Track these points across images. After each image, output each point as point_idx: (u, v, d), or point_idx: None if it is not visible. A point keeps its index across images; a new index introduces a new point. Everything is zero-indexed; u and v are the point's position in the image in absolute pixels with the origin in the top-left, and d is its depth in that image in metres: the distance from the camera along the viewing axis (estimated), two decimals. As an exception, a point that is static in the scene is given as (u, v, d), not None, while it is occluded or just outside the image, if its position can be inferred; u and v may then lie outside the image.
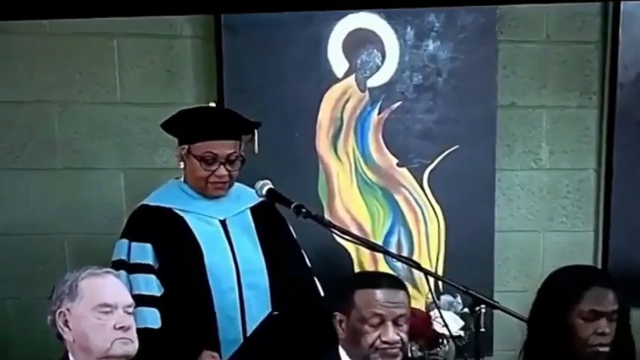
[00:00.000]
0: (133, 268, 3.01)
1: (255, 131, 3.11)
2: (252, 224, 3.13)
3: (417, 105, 3.73)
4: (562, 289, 2.60)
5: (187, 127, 3.06)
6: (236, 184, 3.13)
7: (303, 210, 2.99)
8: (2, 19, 3.07)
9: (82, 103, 3.62)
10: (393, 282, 2.77)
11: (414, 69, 3.71)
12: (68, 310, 2.55)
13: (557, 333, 2.57)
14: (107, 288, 2.59)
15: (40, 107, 3.60)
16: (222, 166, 3.04)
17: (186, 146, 3.05)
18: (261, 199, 3.12)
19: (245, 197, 3.15)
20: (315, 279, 3.21)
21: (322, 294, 3.18)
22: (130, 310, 2.60)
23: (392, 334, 2.68)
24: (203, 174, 3.05)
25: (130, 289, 2.85)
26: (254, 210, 3.15)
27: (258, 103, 3.55)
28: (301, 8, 3.04)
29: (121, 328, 2.54)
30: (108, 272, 2.64)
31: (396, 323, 2.69)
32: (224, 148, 3.03)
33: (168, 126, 3.11)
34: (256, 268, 3.07)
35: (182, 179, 3.13)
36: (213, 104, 3.22)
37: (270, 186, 3.11)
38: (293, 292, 3.09)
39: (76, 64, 3.59)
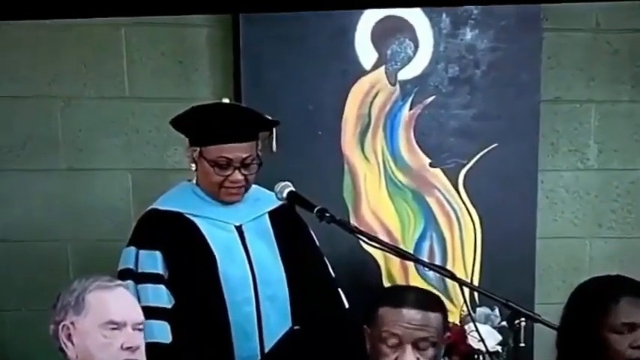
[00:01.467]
0: (140, 278, 2.99)
1: (274, 129, 3.09)
2: (271, 230, 3.12)
3: (453, 100, 3.70)
4: (590, 303, 2.60)
5: (199, 128, 3.05)
6: (253, 186, 3.11)
7: (327, 214, 2.96)
8: (2, 19, 3.10)
9: (86, 98, 3.60)
10: (424, 301, 2.73)
11: (450, 60, 3.68)
12: (72, 323, 2.54)
13: (590, 350, 2.56)
14: (116, 303, 2.57)
15: (42, 102, 3.59)
16: (237, 171, 3.03)
17: (198, 149, 3.04)
18: (280, 202, 3.10)
19: (263, 201, 3.14)
20: (340, 290, 3.19)
21: (347, 306, 3.17)
22: (141, 327, 2.59)
23: (409, 358, 2.66)
24: (216, 179, 3.04)
25: (138, 301, 2.84)
26: (273, 215, 3.14)
27: (279, 98, 3.54)
28: (309, 8, 3.10)
29: (128, 348, 2.52)
30: (118, 285, 2.63)
31: (416, 347, 2.66)
32: (239, 151, 3.01)
33: (178, 124, 3.09)
34: (275, 278, 3.06)
35: (195, 181, 3.12)
36: (227, 100, 3.17)
37: (291, 188, 3.09)
38: (315, 305, 3.09)
39: (80, 56, 3.58)
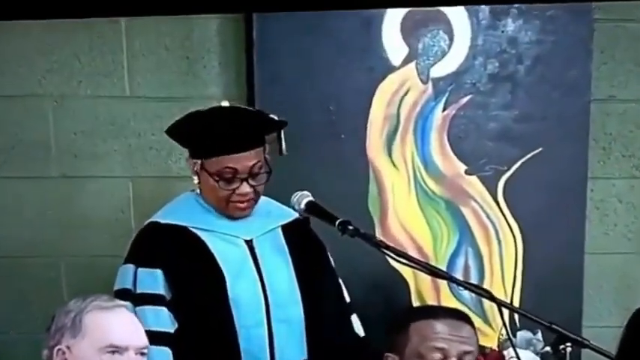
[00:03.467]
0: (140, 300, 2.99)
1: (282, 130, 3.10)
2: (285, 245, 3.12)
3: (492, 99, 3.68)
4: None
5: (197, 138, 3.04)
6: (263, 197, 3.11)
7: (350, 227, 2.97)
8: (2, 19, 3.13)
9: (82, 97, 3.60)
10: (457, 314, 2.79)
11: (489, 55, 3.66)
12: (68, 347, 2.55)
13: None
14: (118, 325, 2.58)
15: (32, 102, 3.60)
16: (244, 183, 3.00)
17: (199, 161, 3.03)
18: (294, 217, 3.13)
19: (275, 213, 3.14)
20: (355, 316, 3.21)
21: (362, 334, 3.19)
22: (144, 351, 2.61)
23: None
24: (222, 194, 3.02)
25: None
26: (286, 229, 3.14)
27: (296, 97, 3.54)
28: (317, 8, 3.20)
29: None
30: (119, 306, 2.64)
31: None
32: (245, 160, 2.99)
33: (174, 134, 3.10)
34: (290, 299, 3.06)
35: (199, 191, 3.11)
36: (226, 103, 3.15)
37: (310, 198, 3.09)
38: (327, 331, 3.11)
39: (75, 50, 3.58)
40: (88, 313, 2.56)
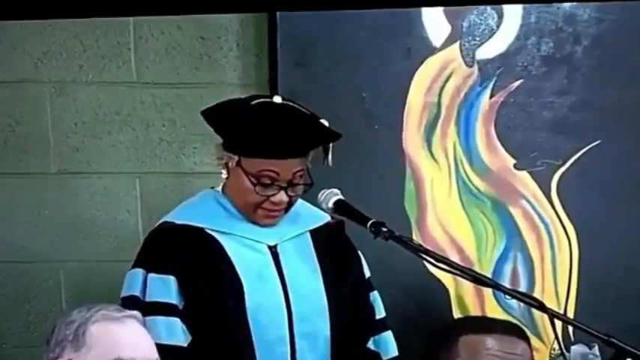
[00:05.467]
0: (150, 309, 2.97)
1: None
2: (314, 252, 3.10)
3: (546, 84, 3.67)
4: None
5: (244, 131, 3.01)
6: None
7: (384, 229, 2.93)
8: (2, 19, 3.22)
9: (83, 84, 3.59)
10: (511, 328, 2.87)
11: (543, 34, 3.65)
12: None
13: None
14: (127, 338, 2.57)
15: (27, 89, 3.59)
16: (282, 192, 2.98)
17: (237, 157, 3.00)
18: (325, 220, 3.12)
19: (304, 217, 3.12)
20: (389, 334, 3.19)
21: (395, 354, 3.19)
22: None
23: None
24: (255, 199, 2.99)
25: None
26: (315, 234, 3.13)
27: (325, 83, 3.55)
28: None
29: None
30: (128, 317, 2.62)
31: None
32: (289, 167, 2.97)
33: (213, 118, 3.07)
34: (316, 312, 3.04)
35: (220, 189, 3.09)
36: (279, 99, 3.11)
37: (340, 197, 3.05)
38: (356, 351, 3.12)
39: (75, 31, 3.57)
40: (94, 324, 2.54)
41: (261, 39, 3.61)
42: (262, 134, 2.99)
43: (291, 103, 3.19)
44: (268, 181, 2.97)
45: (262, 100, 3.13)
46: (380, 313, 3.20)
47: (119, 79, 3.58)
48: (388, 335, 3.18)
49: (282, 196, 2.99)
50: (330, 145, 3.06)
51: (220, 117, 3.05)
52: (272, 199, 2.98)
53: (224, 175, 3.04)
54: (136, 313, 2.70)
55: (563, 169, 3.69)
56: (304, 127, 3.04)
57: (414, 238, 3.52)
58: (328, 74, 3.56)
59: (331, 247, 3.13)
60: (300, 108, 3.15)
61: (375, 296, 3.20)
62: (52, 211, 3.60)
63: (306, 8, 3.34)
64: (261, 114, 3.03)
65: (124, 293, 3.00)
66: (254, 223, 3.05)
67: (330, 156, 3.05)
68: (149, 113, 3.61)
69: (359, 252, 3.19)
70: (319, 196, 3.06)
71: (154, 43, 3.59)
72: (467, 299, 3.67)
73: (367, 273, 3.19)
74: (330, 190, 3.05)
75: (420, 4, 3.54)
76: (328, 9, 3.45)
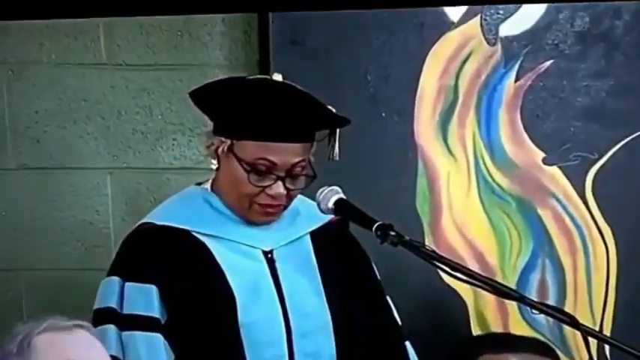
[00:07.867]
0: (128, 323, 2.88)
1: (337, 130, 3.00)
2: (314, 258, 3.01)
3: (580, 65, 3.58)
4: None
5: (236, 111, 2.93)
6: None
7: (392, 233, 2.81)
8: (2, 19, 3.25)
9: (45, 65, 3.55)
10: (538, 347, 2.83)
11: (577, 8, 3.57)
12: None
13: None
14: (74, 348, 2.44)
15: None
16: (280, 183, 2.87)
17: (228, 141, 2.92)
18: (327, 218, 3.00)
19: (304, 216, 3.03)
20: (408, 345, 3.10)
21: None
22: None
23: None
24: (249, 190, 2.88)
25: (122, 355, 2.83)
26: (317, 235, 3.04)
27: (324, 64, 3.50)
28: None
29: None
30: (78, 326, 2.49)
31: None
32: (288, 154, 2.87)
33: (202, 99, 3.00)
34: (317, 327, 2.95)
35: (208, 186, 3.00)
36: (279, 76, 3.03)
37: (341, 195, 2.92)
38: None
39: None
40: (39, 335, 2.40)
41: (251, 16, 3.61)
42: (258, 114, 2.91)
43: (290, 83, 3.15)
44: (264, 169, 2.87)
45: (258, 77, 3.12)
46: (397, 319, 3.16)
47: (86, 60, 3.54)
48: (409, 346, 3.13)
49: (279, 188, 2.88)
50: (337, 134, 2.99)
51: (211, 96, 2.99)
52: (268, 191, 2.87)
53: (214, 166, 2.96)
54: (85, 322, 2.57)
55: (599, 163, 3.61)
56: (307, 108, 2.95)
57: (427, 243, 3.46)
58: (327, 54, 3.51)
59: (334, 248, 3.05)
60: (302, 89, 3.09)
61: (389, 302, 3.16)
62: (10, 212, 3.58)
63: (305, 8, 3.31)
64: (257, 91, 2.97)
65: (98, 305, 2.91)
66: (247, 224, 2.97)
67: (337, 147, 2.97)
68: (121, 99, 3.57)
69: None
70: (317, 194, 2.93)
71: (125, 21, 3.57)
72: (487, 314, 3.63)
73: (377, 274, 3.16)
74: (329, 188, 2.91)
75: (423, 4, 3.50)
76: (328, 9, 3.42)
